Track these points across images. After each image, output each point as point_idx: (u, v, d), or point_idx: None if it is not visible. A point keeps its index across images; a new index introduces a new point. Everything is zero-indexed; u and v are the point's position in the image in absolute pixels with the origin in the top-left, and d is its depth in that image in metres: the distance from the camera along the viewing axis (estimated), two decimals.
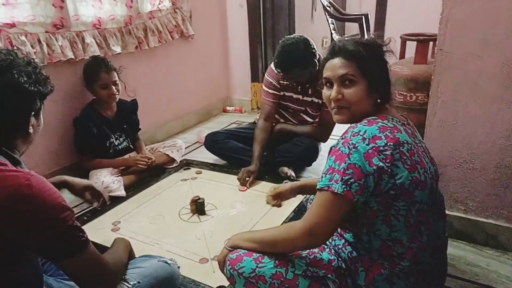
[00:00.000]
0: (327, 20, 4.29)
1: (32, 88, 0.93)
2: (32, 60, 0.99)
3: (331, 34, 4.31)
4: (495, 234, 1.59)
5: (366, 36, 4.17)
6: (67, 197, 1.03)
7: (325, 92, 1.12)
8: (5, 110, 0.90)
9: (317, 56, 2.09)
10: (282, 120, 2.48)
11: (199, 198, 1.95)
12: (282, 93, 2.33)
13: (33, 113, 0.96)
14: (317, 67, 2.07)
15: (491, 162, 1.51)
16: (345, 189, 0.95)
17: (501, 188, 1.52)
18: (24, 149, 1.01)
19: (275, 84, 2.29)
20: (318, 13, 4.84)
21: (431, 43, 2.38)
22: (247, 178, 2.19)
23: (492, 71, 1.40)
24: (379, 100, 1.08)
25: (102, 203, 1.66)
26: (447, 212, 1.63)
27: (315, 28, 4.87)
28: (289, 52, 2.03)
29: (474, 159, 1.54)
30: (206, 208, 1.97)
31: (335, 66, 1.07)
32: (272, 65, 2.25)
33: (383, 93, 1.09)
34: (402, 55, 2.67)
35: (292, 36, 2.12)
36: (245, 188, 2.18)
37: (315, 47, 2.09)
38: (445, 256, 1.22)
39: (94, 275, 0.97)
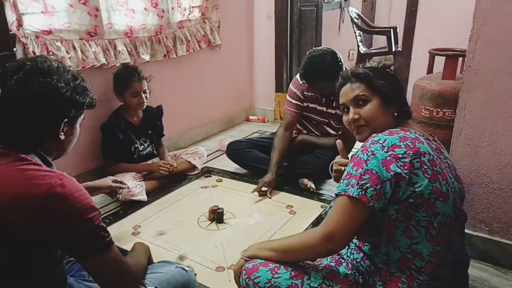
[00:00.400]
0: (355, 32, 4.28)
1: (68, 94, 0.97)
2: (75, 71, 1.04)
3: (358, 46, 4.29)
4: None
5: (393, 49, 4.14)
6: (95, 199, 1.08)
7: (344, 118, 1.18)
8: (39, 112, 0.94)
9: (344, 69, 2.09)
10: (304, 131, 2.48)
11: (218, 208, 1.97)
12: (306, 104, 2.34)
13: (66, 119, 0.99)
14: None
15: None
16: (360, 193, 0.95)
17: None
18: (56, 155, 1.05)
19: (299, 95, 2.31)
20: (346, 25, 4.83)
21: (460, 58, 2.34)
22: (264, 189, 2.20)
23: None
24: (395, 114, 1.12)
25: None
26: (471, 232, 1.60)
27: (342, 40, 4.86)
28: (315, 64, 2.05)
29: (501, 179, 1.49)
30: (224, 217, 1.98)
31: (347, 91, 1.15)
32: (297, 76, 2.28)
33: (400, 107, 1.12)
34: (430, 70, 2.63)
35: (319, 48, 2.15)
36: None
37: (342, 59, 2.10)
38: (466, 275, 1.19)
39: (116, 276, 0.99)
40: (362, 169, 0.97)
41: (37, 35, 2.01)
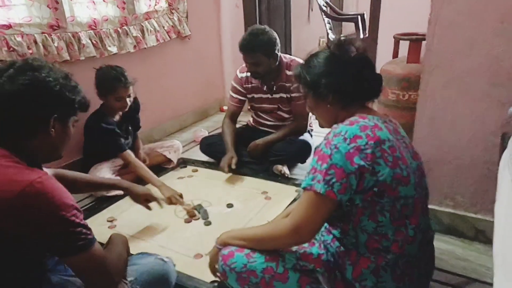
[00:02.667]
0: (324, 20, 4.32)
1: (57, 89, 0.97)
2: (67, 72, 1.05)
3: (327, 34, 4.34)
4: (483, 229, 1.62)
5: (361, 35, 4.21)
6: None
7: None
8: (27, 104, 0.94)
9: (278, 51, 2.25)
10: (263, 121, 2.53)
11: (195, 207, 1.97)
12: (251, 96, 2.46)
13: (55, 115, 0.98)
14: (277, 62, 2.27)
15: (480, 158, 1.54)
16: (327, 189, 0.97)
17: (490, 184, 1.54)
18: (47, 155, 1.04)
19: (239, 88, 2.46)
20: (315, 13, 4.87)
21: (423, 42, 2.40)
22: (229, 164, 2.23)
23: (480, 69, 1.43)
24: (348, 100, 1.14)
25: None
26: (437, 207, 1.67)
27: (312, 28, 4.90)
28: (258, 35, 2.18)
29: (463, 155, 1.57)
30: (202, 204, 2.01)
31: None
32: (237, 71, 2.48)
33: (349, 94, 1.13)
34: (395, 55, 2.70)
35: (263, 26, 2.29)
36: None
37: (278, 42, 2.24)
38: (432, 249, 1.25)
39: (99, 273, 1.00)
40: (327, 164, 0.99)
41: None
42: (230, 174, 2.25)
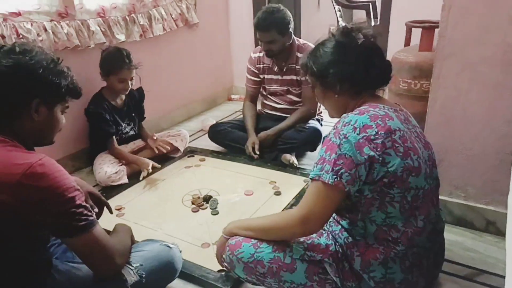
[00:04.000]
0: (334, 8, 4.25)
1: (40, 72, 0.97)
2: (56, 57, 1.04)
3: (338, 21, 4.27)
4: (494, 220, 1.59)
5: (372, 23, 4.14)
6: None
7: None
8: (7, 86, 0.95)
9: (292, 30, 2.26)
10: (273, 105, 2.52)
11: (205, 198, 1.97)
12: (262, 77, 2.47)
13: (37, 99, 0.98)
14: (291, 41, 2.27)
15: (491, 149, 1.51)
16: (335, 180, 0.96)
17: (501, 175, 1.51)
18: (34, 140, 1.04)
19: (253, 70, 2.49)
20: (325, 0, 4.78)
21: (436, 30, 2.35)
22: (254, 149, 2.31)
23: (493, 58, 1.39)
24: (357, 89, 1.12)
25: (98, 215, 1.36)
26: (447, 198, 1.65)
27: (321, 15, 4.83)
28: (273, 12, 2.19)
29: (474, 145, 1.54)
30: (210, 194, 2.01)
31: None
32: (251, 52, 2.51)
33: (357, 82, 1.11)
34: (407, 42, 2.64)
35: (277, 5, 2.28)
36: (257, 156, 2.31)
37: (292, 21, 2.26)
38: (442, 240, 1.23)
39: (101, 255, 1.01)
40: (336, 154, 0.97)
41: (5, 18, 1.94)
42: (257, 158, 2.31)
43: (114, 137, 2.25)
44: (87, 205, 0.97)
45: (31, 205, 0.88)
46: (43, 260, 1.04)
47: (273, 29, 2.18)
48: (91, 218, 0.97)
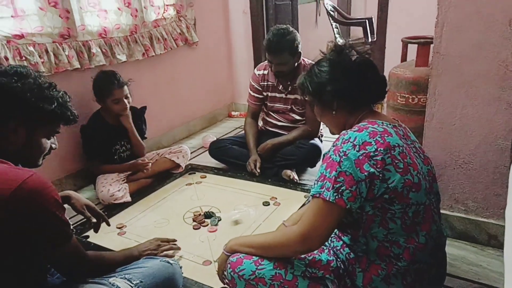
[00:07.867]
0: (331, 25, 4.32)
1: (23, 95, 0.99)
2: (52, 82, 1.07)
3: (335, 38, 4.33)
4: (496, 234, 1.59)
5: (369, 39, 4.19)
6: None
7: None
8: None
9: (300, 49, 2.27)
10: (274, 122, 2.54)
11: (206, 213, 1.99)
12: (265, 94, 2.48)
13: (15, 121, 0.99)
14: (299, 60, 2.30)
15: (490, 163, 1.52)
16: (336, 197, 0.96)
17: (501, 188, 1.52)
18: (17, 161, 1.04)
19: (257, 87, 2.48)
20: (322, 17, 4.87)
21: (432, 45, 2.39)
22: (255, 166, 2.32)
23: (488, 73, 1.42)
24: (356, 105, 1.14)
25: (96, 226, 1.50)
26: (448, 212, 1.65)
27: (319, 32, 4.91)
28: (284, 34, 2.19)
29: (473, 159, 1.55)
30: (211, 210, 2.02)
31: None
32: (255, 70, 2.50)
33: (354, 98, 1.13)
34: (404, 58, 2.68)
35: (285, 26, 2.29)
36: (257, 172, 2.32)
37: (300, 40, 2.27)
38: (444, 255, 1.23)
39: (73, 265, 1.06)
40: (336, 171, 0.98)
41: (9, 40, 1.98)
42: (258, 175, 2.31)
43: (99, 159, 2.29)
44: (67, 220, 1.01)
45: (19, 220, 0.90)
46: (39, 265, 1.05)
47: (285, 51, 2.19)
48: (69, 232, 1.02)
